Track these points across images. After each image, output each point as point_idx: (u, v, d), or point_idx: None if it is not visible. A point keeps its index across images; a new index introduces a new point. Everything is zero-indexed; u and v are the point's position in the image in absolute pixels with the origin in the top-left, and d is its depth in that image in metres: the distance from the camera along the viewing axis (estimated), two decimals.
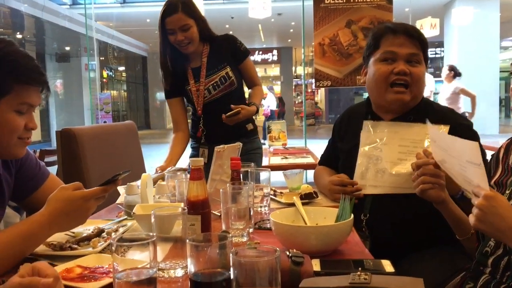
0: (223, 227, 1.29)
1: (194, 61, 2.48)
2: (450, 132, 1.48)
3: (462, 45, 12.15)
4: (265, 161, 3.26)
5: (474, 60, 11.97)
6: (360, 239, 1.53)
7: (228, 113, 2.28)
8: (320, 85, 5.13)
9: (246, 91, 2.69)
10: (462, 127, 1.54)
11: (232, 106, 2.31)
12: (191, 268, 0.82)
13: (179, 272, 1.02)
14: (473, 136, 1.50)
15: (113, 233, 1.31)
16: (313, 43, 5.08)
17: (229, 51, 2.49)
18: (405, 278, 0.81)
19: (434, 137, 1.18)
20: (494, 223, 0.90)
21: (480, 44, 12.00)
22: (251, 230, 1.34)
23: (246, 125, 2.53)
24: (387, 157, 1.57)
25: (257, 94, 2.59)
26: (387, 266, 1.02)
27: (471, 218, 0.93)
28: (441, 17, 10.81)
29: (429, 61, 1.70)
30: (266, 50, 21.72)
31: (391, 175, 1.55)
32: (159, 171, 2.12)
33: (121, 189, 1.69)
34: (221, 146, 1.64)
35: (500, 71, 12.86)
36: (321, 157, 2.00)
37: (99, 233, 1.29)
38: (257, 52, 21.73)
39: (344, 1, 4.93)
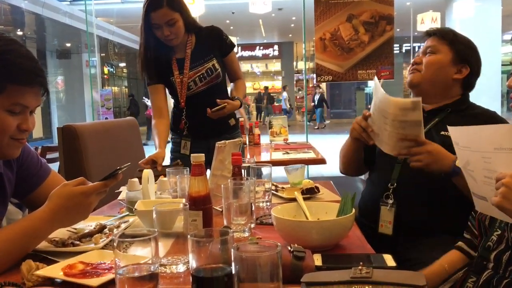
0: (225, 223, 1.29)
1: (178, 52, 2.45)
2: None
3: None
4: (266, 156, 3.26)
5: None
6: (385, 208, 1.64)
7: (214, 108, 2.27)
8: (322, 80, 5.12)
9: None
10: None
11: (217, 100, 2.29)
12: (193, 263, 0.82)
13: (181, 268, 1.02)
14: None
15: (115, 229, 1.31)
16: (314, 38, 5.06)
17: (215, 43, 2.46)
18: (407, 272, 0.81)
19: (456, 139, 1.13)
20: None
21: (482, 37, 11.89)
22: (252, 225, 1.34)
23: (228, 120, 2.51)
24: (377, 124, 1.57)
25: (240, 88, 2.58)
26: (388, 260, 1.03)
27: (495, 199, 0.92)
28: (442, 10, 10.77)
29: (479, 67, 1.76)
30: (267, 45, 21.69)
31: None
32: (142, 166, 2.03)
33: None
34: (222, 141, 1.64)
35: (502, 65, 12.79)
36: None
37: (101, 229, 1.30)
38: (258, 47, 21.71)
39: None
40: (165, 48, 2.40)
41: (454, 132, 1.12)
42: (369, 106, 1.74)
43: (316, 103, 18.52)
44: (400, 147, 1.48)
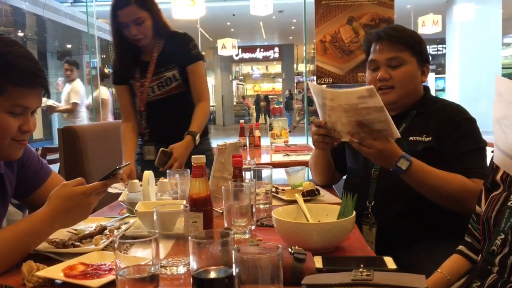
0: (225, 224, 1.29)
1: (144, 54, 2.34)
2: (453, 127, 1.56)
3: (464, 41, 12.12)
4: (267, 158, 3.26)
5: (476, 57, 11.94)
6: (366, 227, 1.59)
7: (156, 161, 2.09)
8: (322, 82, 5.12)
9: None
10: (464, 121, 1.58)
11: (162, 150, 2.10)
12: (194, 265, 0.82)
13: (182, 269, 1.02)
14: (471, 126, 1.57)
15: (115, 231, 1.31)
16: (314, 40, 5.07)
17: (181, 51, 2.30)
18: (408, 274, 0.81)
19: (502, 90, 1.08)
20: None
21: (482, 40, 11.96)
22: (253, 227, 1.34)
23: None
24: (338, 121, 1.50)
25: (198, 117, 2.29)
26: (389, 263, 1.03)
27: None
28: (443, 13, 10.77)
29: (429, 57, 1.72)
30: (267, 48, 21.71)
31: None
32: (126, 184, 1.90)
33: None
34: (223, 143, 1.64)
35: (502, 68, 12.83)
36: None
37: (101, 230, 1.29)
38: (258, 49, 21.72)
39: None
40: (133, 49, 2.30)
41: (501, 83, 1.08)
42: (313, 117, 1.68)
43: (284, 106, 18.45)
44: (355, 133, 1.44)
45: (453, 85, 12.71)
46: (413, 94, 1.67)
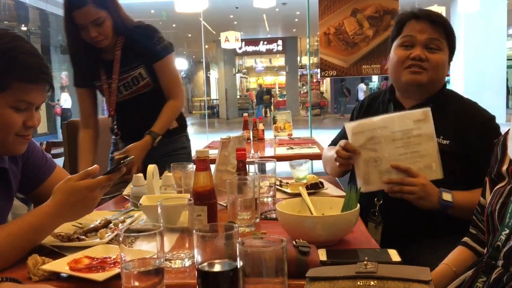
0: (230, 218, 1.30)
1: (106, 54, 2.13)
2: (471, 128, 1.50)
3: (469, 33, 12.03)
4: (270, 152, 3.26)
5: (481, 48, 11.86)
6: (372, 224, 1.56)
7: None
8: (326, 75, 5.11)
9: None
10: (485, 124, 1.53)
11: (115, 155, 1.97)
12: (198, 258, 0.82)
13: (186, 262, 1.02)
14: (493, 130, 1.51)
15: (120, 224, 1.31)
16: (318, 33, 5.05)
17: (145, 47, 2.11)
18: (412, 267, 0.81)
19: None
20: None
21: (487, 32, 11.88)
22: (257, 220, 1.34)
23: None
24: (387, 156, 1.44)
25: (163, 117, 2.12)
26: (393, 255, 1.03)
27: None
28: (447, 5, 10.71)
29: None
30: (271, 40, 21.62)
31: (399, 173, 1.42)
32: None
33: None
34: (227, 136, 1.64)
35: (508, 59, 12.73)
36: (332, 141, 1.95)
37: (106, 224, 1.30)
38: (261, 42, 21.64)
39: None
40: (92, 48, 2.09)
41: None
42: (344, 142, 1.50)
43: (256, 100, 18.20)
44: (392, 179, 1.40)
45: (457, 77, 12.64)
46: (438, 85, 1.60)
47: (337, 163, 1.56)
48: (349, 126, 1.50)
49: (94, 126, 2.22)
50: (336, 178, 1.92)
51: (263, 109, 20.67)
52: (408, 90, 1.62)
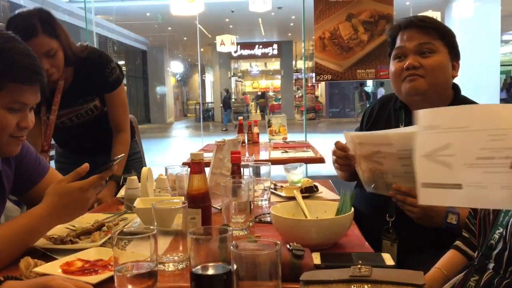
0: (224, 221, 1.29)
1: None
2: None
3: (463, 38, 12.05)
4: (265, 155, 3.26)
5: (475, 54, 11.92)
6: (387, 242, 1.49)
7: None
8: (321, 79, 5.12)
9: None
10: None
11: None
12: (192, 261, 0.82)
13: (180, 266, 1.02)
14: None
15: (113, 227, 1.31)
16: (313, 37, 5.06)
17: (97, 80, 2.00)
18: (406, 271, 0.81)
19: (433, 122, 1.02)
20: None
21: (481, 38, 11.96)
22: (251, 223, 1.34)
23: (108, 136, 2.09)
24: (392, 171, 1.38)
25: (116, 150, 2.02)
26: (387, 259, 1.03)
27: None
28: (442, 10, 10.78)
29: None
30: (266, 44, 21.65)
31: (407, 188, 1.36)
32: None
33: None
34: (221, 139, 1.64)
35: (501, 65, 12.82)
36: None
37: (99, 227, 1.29)
38: (257, 46, 21.67)
39: None
40: None
41: (430, 115, 1.02)
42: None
43: (223, 104, 18.18)
44: (397, 197, 1.36)
45: (454, 80, 12.72)
46: (443, 88, 1.54)
47: (336, 165, 1.54)
48: (349, 134, 1.48)
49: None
50: (334, 180, 1.89)
51: (260, 113, 20.73)
52: (413, 101, 1.57)
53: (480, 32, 11.92)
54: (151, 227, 0.88)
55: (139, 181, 1.57)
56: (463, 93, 1.63)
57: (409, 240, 1.49)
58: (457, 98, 1.57)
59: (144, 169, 1.59)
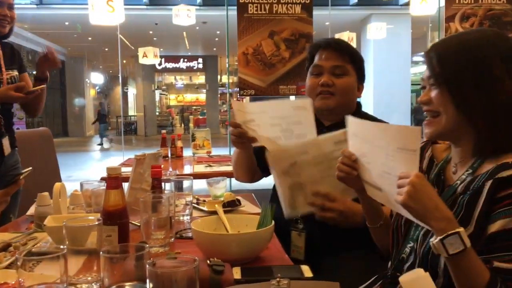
0: (143, 238, 1.25)
1: None
2: None
3: (377, 58, 12.86)
4: (189, 169, 3.22)
5: (388, 73, 12.70)
6: (295, 233, 1.55)
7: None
8: (244, 93, 5.18)
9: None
10: None
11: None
12: (106, 281, 0.78)
13: (94, 286, 0.97)
14: None
15: (21, 247, 1.22)
16: (237, 52, 5.12)
17: (18, 57, 2.33)
18: (322, 282, 0.83)
19: (356, 131, 1.14)
20: (423, 201, 0.91)
21: (394, 58, 12.77)
22: (172, 240, 1.31)
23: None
24: (310, 179, 1.44)
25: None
26: (306, 271, 1.05)
27: (399, 197, 0.92)
28: (358, 31, 11.37)
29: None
30: (191, 58, 21.58)
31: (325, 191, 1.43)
32: None
33: None
34: (141, 153, 1.60)
35: (412, 84, 13.76)
36: None
37: (5, 247, 1.20)
38: (182, 59, 21.53)
39: (267, 12, 5.02)
40: None
41: (355, 124, 1.14)
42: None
43: (98, 117, 17.48)
44: (315, 202, 1.41)
45: (367, 99, 13.43)
46: (348, 106, 1.71)
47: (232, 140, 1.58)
48: (269, 154, 1.48)
49: None
50: (249, 182, 1.91)
51: (183, 126, 20.51)
52: (322, 114, 1.72)
53: (393, 52, 12.73)
54: (61, 246, 0.83)
55: (51, 198, 1.48)
56: (378, 109, 1.82)
57: (320, 231, 1.53)
58: (358, 112, 1.75)
59: (56, 185, 1.50)
